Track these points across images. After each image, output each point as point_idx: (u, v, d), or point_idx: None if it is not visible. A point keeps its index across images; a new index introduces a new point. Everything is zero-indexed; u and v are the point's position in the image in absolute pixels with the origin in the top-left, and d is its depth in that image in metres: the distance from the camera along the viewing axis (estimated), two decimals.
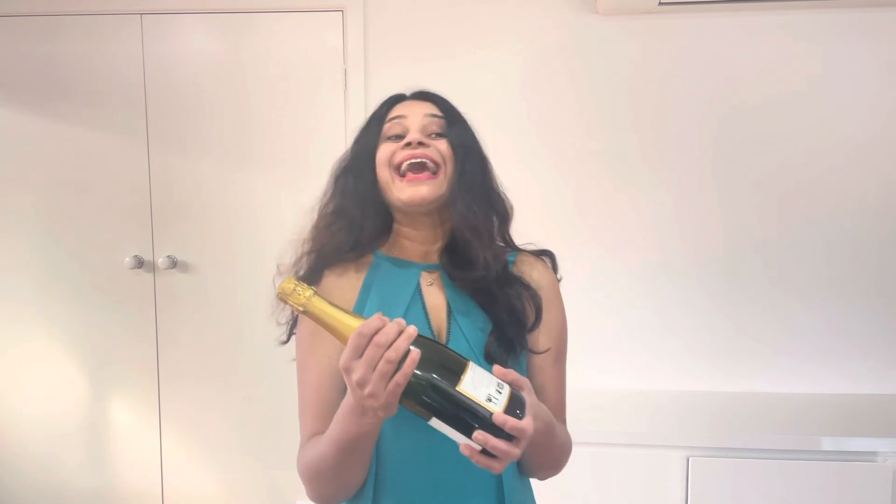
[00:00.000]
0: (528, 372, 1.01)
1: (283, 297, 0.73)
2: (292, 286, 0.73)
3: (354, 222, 1.00)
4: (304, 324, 1.00)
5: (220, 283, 2.48)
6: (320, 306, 0.74)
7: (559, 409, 1.04)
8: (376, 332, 0.71)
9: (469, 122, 1.05)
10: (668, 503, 1.90)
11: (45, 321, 2.50)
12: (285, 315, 1.03)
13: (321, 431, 0.95)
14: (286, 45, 2.39)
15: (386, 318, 0.72)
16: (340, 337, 0.74)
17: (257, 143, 2.42)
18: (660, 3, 2.16)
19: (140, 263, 2.46)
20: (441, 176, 0.97)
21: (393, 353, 0.70)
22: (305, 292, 0.73)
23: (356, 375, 0.71)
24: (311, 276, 1.01)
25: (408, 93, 1.08)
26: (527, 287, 1.00)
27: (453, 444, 0.74)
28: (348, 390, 0.76)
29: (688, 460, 1.88)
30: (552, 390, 1.03)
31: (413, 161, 0.96)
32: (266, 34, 2.39)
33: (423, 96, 1.06)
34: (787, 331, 2.30)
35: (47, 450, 2.55)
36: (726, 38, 2.25)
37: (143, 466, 2.55)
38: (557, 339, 1.04)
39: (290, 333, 1.04)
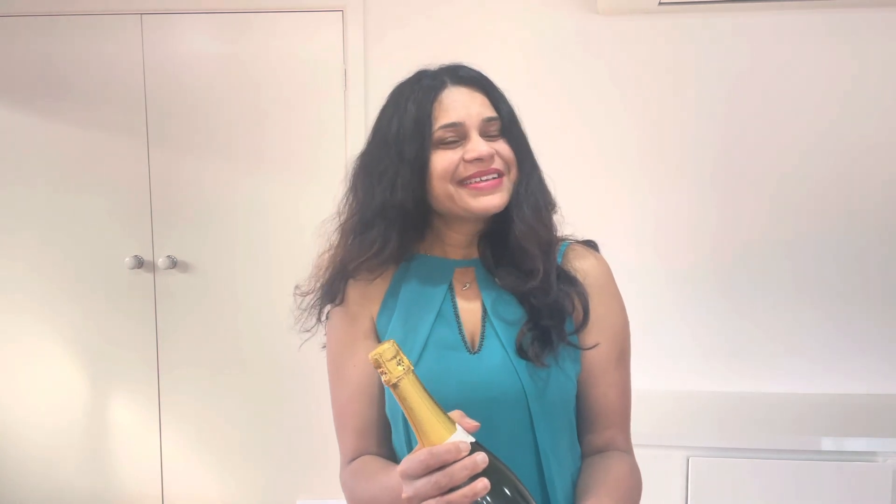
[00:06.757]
0: (587, 378, 0.94)
1: (379, 361, 0.66)
2: (394, 352, 0.66)
3: (392, 248, 0.91)
4: (333, 335, 0.97)
5: (220, 283, 2.48)
6: (414, 389, 0.67)
7: (624, 420, 0.97)
8: (454, 461, 0.65)
9: (514, 108, 0.94)
10: (668, 503, 1.90)
11: (45, 322, 2.50)
12: (310, 323, 0.98)
13: (363, 449, 0.94)
14: (286, 45, 2.39)
15: (467, 446, 0.66)
16: (418, 428, 0.68)
17: (257, 143, 2.42)
18: (660, 3, 2.16)
19: (140, 263, 2.46)
20: (506, 179, 0.90)
21: (463, 500, 0.65)
22: (404, 365, 0.66)
23: (415, 491, 0.67)
24: (336, 287, 0.95)
25: (445, 75, 0.92)
26: (574, 283, 0.93)
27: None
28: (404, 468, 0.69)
29: (688, 460, 1.88)
30: (616, 398, 0.95)
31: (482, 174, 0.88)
32: (266, 34, 2.39)
33: (466, 81, 0.92)
34: (787, 331, 2.29)
35: (47, 450, 2.55)
36: (726, 38, 2.25)
37: (143, 467, 2.55)
38: (615, 337, 0.95)
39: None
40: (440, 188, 0.89)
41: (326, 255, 0.97)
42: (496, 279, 0.93)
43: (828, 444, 1.84)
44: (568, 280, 0.93)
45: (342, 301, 0.96)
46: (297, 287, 0.99)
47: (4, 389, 2.55)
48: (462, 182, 0.88)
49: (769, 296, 2.29)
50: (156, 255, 2.47)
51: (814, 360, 2.29)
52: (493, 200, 0.88)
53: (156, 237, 2.47)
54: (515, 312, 0.92)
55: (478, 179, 0.88)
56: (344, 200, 0.96)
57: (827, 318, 2.28)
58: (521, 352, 0.88)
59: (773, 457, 1.87)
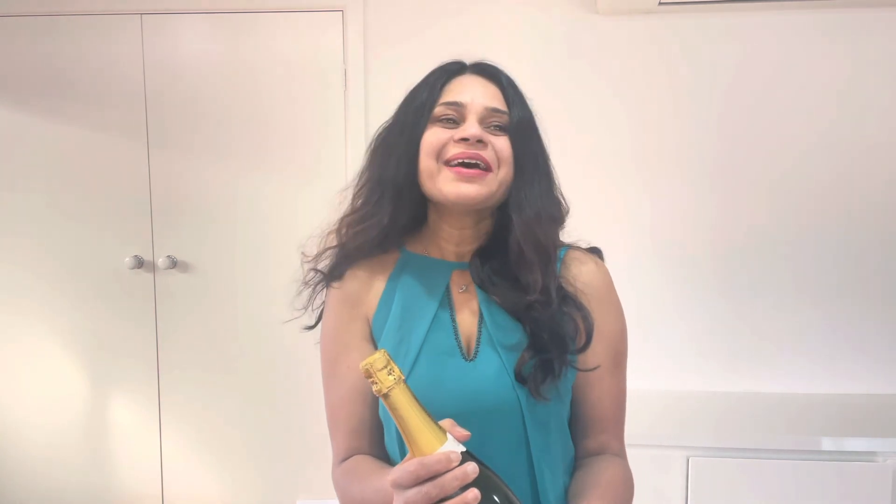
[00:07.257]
0: (583, 385, 0.92)
1: (370, 370, 0.65)
2: (385, 362, 0.65)
3: (385, 215, 0.90)
4: (327, 334, 0.96)
5: (220, 283, 2.48)
6: (405, 399, 0.66)
7: (618, 425, 0.96)
8: (444, 472, 0.65)
9: (533, 113, 0.94)
10: (668, 503, 1.90)
11: (45, 322, 2.50)
12: (302, 301, 0.99)
13: (356, 448, 0.94)
14: (286, 45, 2.39)
15: (458, 456, 0.66)
16: (409, 438, 0.68)
17: (257, 143, 2.42)
18: (660, 3, 2.16)
19: (140, 263, 2.46)
20: (492, 175, 0.87)
21: None
22: (394, 375, 0.66)
23: (405, 502, 0.67)
24: (334, 272, 0.96)
25: (467, 62, 0.95)
26: (580, 308, 0.90)
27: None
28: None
29: (688, 460, 1.88)
30: (610, 404, 0.94)
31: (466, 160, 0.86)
32: (266, 34, 2.39)
33: (485, 72, 0.93)
34: (787, 331, 2.29)
35: (47, 450, 2.55)
36: (726, 38, 2.25)
37: (143, 467, 2.55)
38: (612, 344, 0.94)
39: (318, 320, 1.00)
40: (425, 163, 0.88)
41: (333, 235, 0.98)
42: (494, 297, 0.90)
43: (828, 444, 1.84)
44: (574, 304, 0.90)
45: (340, 277, 0.95)
46: (303, 255, 0.99)
47: (4, 389, 2.55)
48: (447, 163, 0.87)
49: (769, 296, 2.29)
50: (156, 255, 2.47)
51: (814, 360, 2.29)
52: (468, 190, 0.86)
53: (156, 237, 2.47)
54: (514, 330, 0.89)
55: (460, 162, 0.86)
56: (357, 179, 0.97)
57: (827, 318, 2.28)
58: (519, 378, 0.86)
59: (773, 457, 1.87)
